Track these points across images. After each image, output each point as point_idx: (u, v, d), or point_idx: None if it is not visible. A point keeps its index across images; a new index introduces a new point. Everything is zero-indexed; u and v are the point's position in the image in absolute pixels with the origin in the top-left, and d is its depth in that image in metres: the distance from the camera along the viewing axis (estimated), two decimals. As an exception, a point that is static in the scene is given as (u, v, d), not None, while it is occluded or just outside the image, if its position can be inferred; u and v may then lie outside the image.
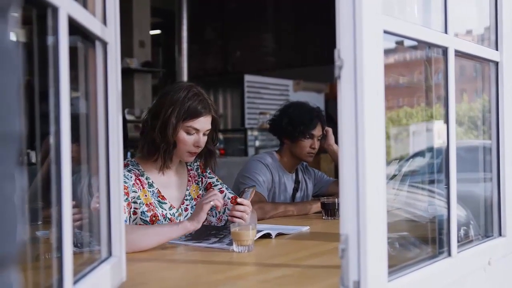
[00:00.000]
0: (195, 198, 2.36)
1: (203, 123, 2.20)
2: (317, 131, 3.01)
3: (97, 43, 1.34)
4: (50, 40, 1.02)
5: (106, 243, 1.37)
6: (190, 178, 2.38)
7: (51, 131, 1.01)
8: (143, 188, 2.19)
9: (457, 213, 1.57)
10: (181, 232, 1.98)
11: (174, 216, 2.26)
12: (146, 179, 2.23)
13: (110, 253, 1.38)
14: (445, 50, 1.52)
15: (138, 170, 2.22)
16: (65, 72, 1.02)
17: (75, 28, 1.11)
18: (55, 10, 0.99)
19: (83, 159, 1.39)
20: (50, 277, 1.07)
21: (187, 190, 2.35)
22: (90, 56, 1.34)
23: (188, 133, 2.19)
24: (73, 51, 1.09)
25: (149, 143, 2.20)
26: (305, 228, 2.36)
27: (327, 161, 6.60)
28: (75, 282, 1.10)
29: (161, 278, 1.63)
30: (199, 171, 2.42)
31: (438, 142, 1.97)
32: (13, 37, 0.59)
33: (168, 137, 2.16)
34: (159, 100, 2.23)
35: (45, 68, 1.03)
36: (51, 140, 1.01)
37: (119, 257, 1.39)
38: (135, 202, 2.13)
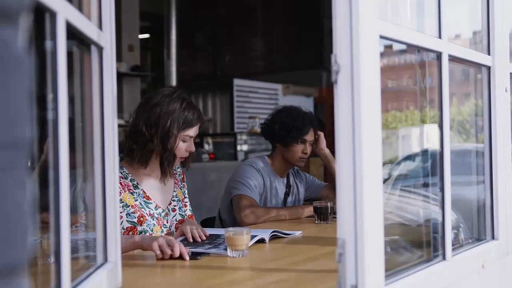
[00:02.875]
0: (181, 200, 2.44)
1: (196, 130, 2.32)
2: (310, 136, 3.01)
3: (93, 48, 1.33)
4: (47, 44, 1.02)
5: (102, 249, 1.37)
6: (176, 181, 2.46)
7: (49, 136, 1.00)
8: (125, 191, 2.23)
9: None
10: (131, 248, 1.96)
11: (160, 215, 2.31)
12: (131, 181, 2.28)
13: (106, 259, 1.37)
14: (439, 55, 1.53)
15: (122, 173, 2.25)
16: (63, 76, 1.02)
17: (71, 32, 1.11)
18: (53, 15, 0.99)
19: (77, 164, 1.38)
20: (47, 283, 1.06)
21: (174, 191, 2.42)
22: (86, 61, 1.34)
23: (184, 141, 2.29)
24: (68, 56, 1.09)
25: (148, 153, 2.25)
26: (298, 233, 2.36)
27: (316, 165, 6.60)
28: (73, 288, 1.09)
29: (156, 283, 1.63)
30: (180, 178, 2.50)
31: (428, 145, 1.98)
32: (23, 43, 0.58)
33: (171, 147, 2.24)
34: (152, 110, 2.25)
35: (42, 72, 1.03)
36: (49, 145, 1.01)
37: (115, 262, 1.39)
38: None
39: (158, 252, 1.83)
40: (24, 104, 0.58)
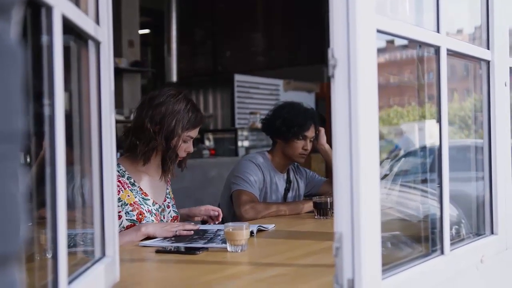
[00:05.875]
0: (172, 198, 2.49)
1: (197, 131, 2.38)
2: (310, 133, 3.01)
3: (90, 43, 1.33)
4: (43, 39, 1.01)
5: (100, 243, 1.37)
6: (168, 179, 2.49)
7: (45, 131, 1.00)
8: (125, 189, 2.25)
9: (449, 212, 1.58)
10: (140, 238, 2.11)
11: (158, 211, 2.35)
12: (128, 179, 2.30)
13: (103, 254, 1.37)
14: (437, 49, 1.53)
15: (118, 171, 2.26)
16: (59, 71, 1.01)
17: (68, 27, 1.11)
18: (49, 9, 0.99)
19: (75, 160, 1.38)
20: (44, 278, 1.07)
21: (167, 189, 2.47)
22: (83, 56, 1.34)
23: (185, 141, 2.33)
24: (65, 51, 1.08)
25: (151, 150, 2.28)
26: (271, 226, 2.38)
27: (317, 161, 6.61)
28: (70, 282, 1.09)
29: (155, 278, 1.63)
30: (169, 177, 2.53)
31: (429, 141, 1.98)
32: (15, 36, 0.58)
33: (174, 147, 2.28)
34: (156, 108, 2.28)
35: (39, 67, 1.03)
36: (46, 141, 1.01)
37: (112, 257, 1.39)
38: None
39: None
40: (17, 97, 0.58)
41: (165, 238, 2.10)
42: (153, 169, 2.37)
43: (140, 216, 2.24)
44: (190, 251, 1.87)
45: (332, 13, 1.18)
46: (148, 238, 2.11)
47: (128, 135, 2.31)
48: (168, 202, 2.44)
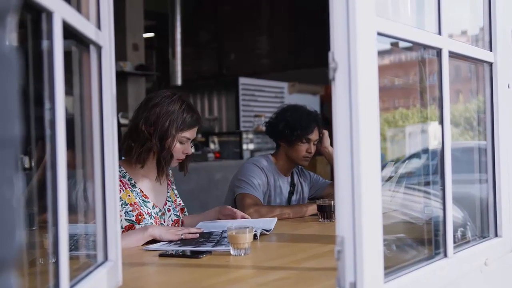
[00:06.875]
0: (174, 201, 2.48)
1: (193, 132, 2.35)
2: (314, 136, 3.01)
3: (91, 47, 1.33)
4: (44, 44, 1.02)
5: (102, 247, 1.37)
6: (169, 183, 2.50)
7: (47, 136, 1.01)
8: (126, 189, 2.27)
9: (454, 214, 1.57)
10: (146, 239, 2.09)
11: (157, 215, 2.35)
12: (129, 180, 2.31)
13: (106, 258, 1.38)
14: (439, 52, 1.53)
15: (120, 172, 2.26)
16: (59, 76, 1.02)
17: (69, 32, 1.11)
18: (49, 14, 0.99)
19: (77, 164, 1.38)
20: (46, 282, 1.07)
21: (168, 192, 2.46)
22: (84, 60, 1.34)
23: (181, 142, 2.32)
24: (67, 55, 1.09)
25: (146, 152, 2.28)
26: (273, 223, 2.38)
27: (322, 163, 6.60)
28: (71, 286, 1.10)
29: (157, 282, 1.63)
30: (172, 179, 2.54)
31: (434, 143, 1.98)
32: (11, 42, 0.59)
33: (168, 147, 2.27)
34: (151, 109, 2.29)
35: (39, 72, 1.03)
36: (47, 145, 1.01)
37: (115, 261, 1.39)
38: None
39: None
40: (13, 103, 0.58)
41: (170, 241, 2.10)
42: (152, 172, 2.37)
43: (140, 217, 2.25)
44: (194, 255, 1.87)
45: (332, 16, 1.18)
46: (153, 240, 2.11)
47: (126, 138, 2.32)
48: (169, 206, 2.44)
